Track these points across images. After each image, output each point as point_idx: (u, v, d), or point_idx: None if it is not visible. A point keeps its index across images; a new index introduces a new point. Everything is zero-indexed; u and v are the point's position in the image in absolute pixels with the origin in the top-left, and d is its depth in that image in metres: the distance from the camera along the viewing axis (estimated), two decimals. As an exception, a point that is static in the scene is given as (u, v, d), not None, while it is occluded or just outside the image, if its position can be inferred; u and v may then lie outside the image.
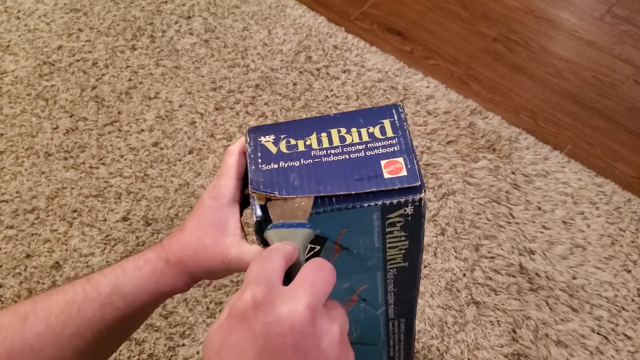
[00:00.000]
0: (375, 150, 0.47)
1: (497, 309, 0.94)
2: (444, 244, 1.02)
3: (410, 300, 0.63)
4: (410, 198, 0.46)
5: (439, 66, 1.29)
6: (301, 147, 0.47)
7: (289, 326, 0.35)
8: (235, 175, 0.49)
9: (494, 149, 1.13)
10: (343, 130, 0.48)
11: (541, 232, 1.02)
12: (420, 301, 0.96)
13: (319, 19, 1.36)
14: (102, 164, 1.14)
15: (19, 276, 1.01)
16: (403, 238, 0.51)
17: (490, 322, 0.93)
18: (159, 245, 0.51)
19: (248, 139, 0.49)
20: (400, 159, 0.46)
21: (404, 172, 0.46)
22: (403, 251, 0.54)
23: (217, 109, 1.21)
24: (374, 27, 1.37)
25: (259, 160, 0.47)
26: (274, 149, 0.48)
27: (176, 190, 1.10)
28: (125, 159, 1.15)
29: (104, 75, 1.29)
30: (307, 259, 0.43)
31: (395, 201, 0.45)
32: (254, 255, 0.46)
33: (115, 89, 1.26)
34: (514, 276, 0.97)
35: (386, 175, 0.45)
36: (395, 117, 0.49)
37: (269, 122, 1.18)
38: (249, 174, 0.47)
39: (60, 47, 1.34)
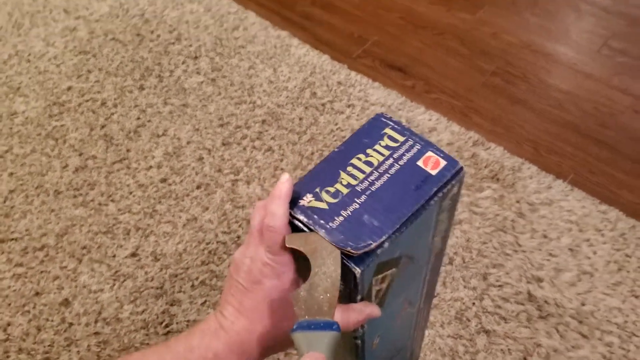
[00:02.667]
0: (404, 158, 0.48)
1: (508, 337, 0.94)
2: (452, 273, 1.02)
3: (435, 283, 0.64)
4: (458, 177, 0.48)
5: (440, 100, 1.32)
6: (344, 190, 0.46)
7: None
8: (288, 251, 0.45)
9: (497, 179, 1.14)
10: (362, 157, 0.48)
11: (548, 260, 1.02)
12: (430, 331, 0.95)
13: (322, 57, 1.40)
14: (111, 200, 1.16)
15: (27, 314, 1.01)
16: (446, 220, 0.53)
17: (501, 350, 0.93)
18: (223, 331, 0.45)
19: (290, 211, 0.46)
20: (430, 153, 0.48)
21: (443, 162, 0.48)
22: (443, 234, 0.55)
23: (224, 145, 1.23)
24: (376, 64, 1.41)
25: (322, 222, 0.44)
26: (323, 205, 0.45)
27: (184, 225, 1.11)
28: (133, 196, 1.16)
29: (112, 114, 1.32)
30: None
31: (449, 185, 0.47)
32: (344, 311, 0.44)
33: (124, 127, 1.29)
34: (523, 304, 0.97)
35: (433, 172, 0.47)
36: (391, 123, 0.51)
37: (275, 155, 1.20)
38: (327, 238, 0.44)
39: (69, 87, 1.38)
